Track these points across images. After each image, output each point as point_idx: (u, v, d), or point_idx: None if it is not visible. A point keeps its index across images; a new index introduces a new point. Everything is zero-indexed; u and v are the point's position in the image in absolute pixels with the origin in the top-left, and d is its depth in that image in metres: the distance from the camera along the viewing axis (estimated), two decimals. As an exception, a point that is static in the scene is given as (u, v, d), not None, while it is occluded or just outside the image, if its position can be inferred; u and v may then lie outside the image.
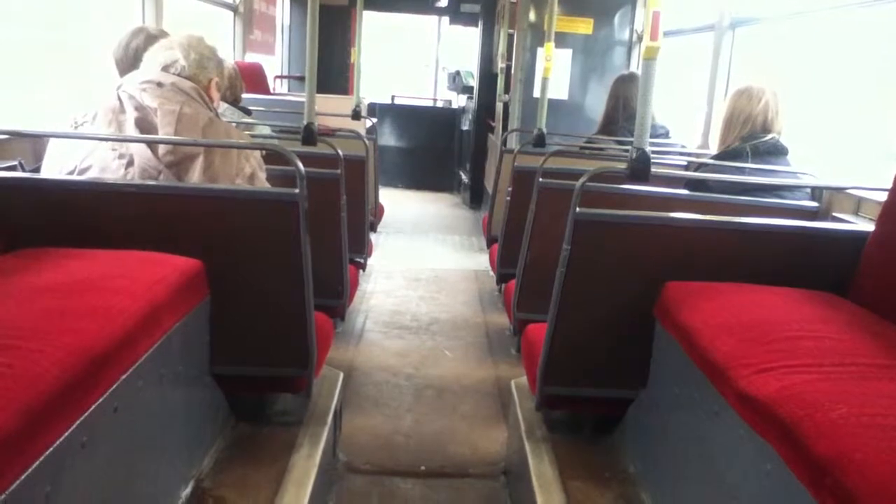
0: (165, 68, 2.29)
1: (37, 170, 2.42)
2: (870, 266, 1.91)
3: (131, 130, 2.17)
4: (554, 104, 4.76)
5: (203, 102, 2.30)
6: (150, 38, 2.64)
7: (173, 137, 2.17)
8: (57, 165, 2.19)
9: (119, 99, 2.21)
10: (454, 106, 9.79)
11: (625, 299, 2.05)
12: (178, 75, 2.29)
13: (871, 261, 1.92)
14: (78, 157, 2.16)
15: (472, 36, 8.97)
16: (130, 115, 2.18)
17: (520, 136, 5.29)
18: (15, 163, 2.48)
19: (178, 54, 2.31)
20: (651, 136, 2.10)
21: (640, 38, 5.64)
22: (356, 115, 4.84)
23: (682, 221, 2.06)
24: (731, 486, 1.50)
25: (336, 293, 3.10)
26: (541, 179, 2.93)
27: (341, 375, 2.67)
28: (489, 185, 6.10)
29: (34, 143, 2.58)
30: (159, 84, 2.23)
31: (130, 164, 2.15)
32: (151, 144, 2.16)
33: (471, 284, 5.39)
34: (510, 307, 3.24)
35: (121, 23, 3.80)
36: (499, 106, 6.80)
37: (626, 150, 2.18)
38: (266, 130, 3.64)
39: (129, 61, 2.65)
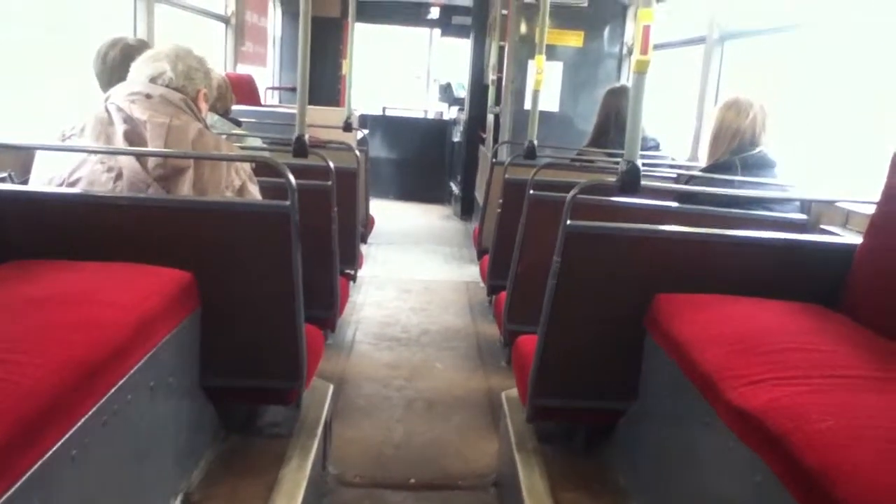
0: (153, 80, 2.27)
1: (25, 182, 2.41)
2: (858, 278, 1.93)
3: (120, 143, 2.15)
4: (544, 116, 4.77)
5: (192, 114, 2.29)
6: (129, 48, 2.62)
7: (162, 150, 2.15)
8: (45, 177, 2.17)
9: (107, 111, 2.19)
10: (445, 117, 9.82)
11: (615, 311, 2.06)
12: (167, 87, 2.27)
13: (859, 273, 1.93)
14: (66, 169, 2.15)
15: (463, 47, 9.00)
16: (119, 128, 2.16)
17: (510, 147, 5.31)
18: (5, 175, 2.47)
19: (165, 65, 2.29)
20: (641, 149, 2.11)
21: (630, 52, 5.67)
22: (347, 127, 4.84)
23: (673, 234, 2.07)
24: (722, 498, 1.50)
25: (327, 305, 3.10)
26: (531, 191, 2.93)
27: (331, 387, 2.67)
28: (480, 196, 6.11)
29: (23, 155, 2.57)
30: (148, 96, 2.22)
31: (119, 177, 2.14)
32: (140, 158, 2.14)
33: (461, 296, 5.39)
34: (501, 318, 3.24)
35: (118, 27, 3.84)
36: (490, 118, 6.83)
37: (617, 163, 2.19)
38: (257, 142, 3.64)
39: (107, 73, 2.63)
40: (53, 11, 3.74)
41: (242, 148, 3.22)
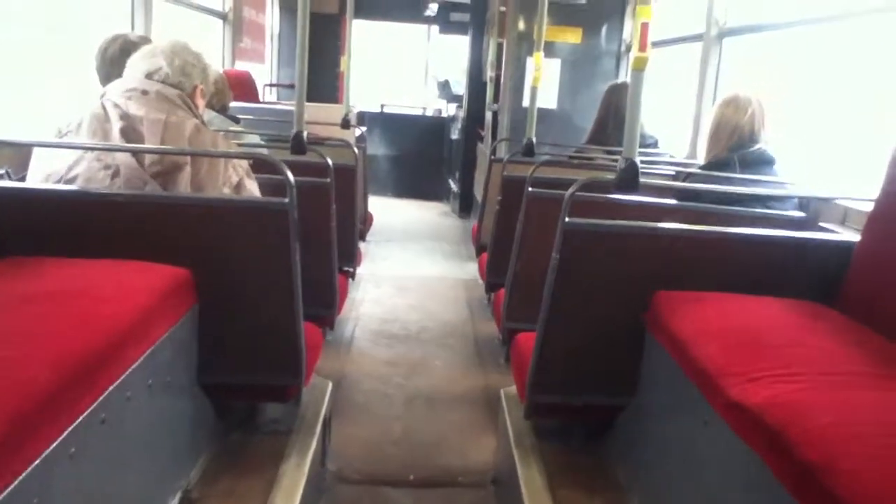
0: (149, 75, 2.26)
1: (22, 179, 2.40)
2: (856, 276, 1.93)
3: (116, 140, 2.14)
4: (543, 113, 4.77)
5: (189, 110, 2.28)
6: (129, 44, 2.61)
7: (159, 147, 2.15)
8: (41, 174, 2.16)
9: (103, 108, 2.18)
10: (444, 115, 9.81)
11: (614, 308, 2.06)
12: (163, 82, 2.25)
13: (857, 270, 1.93)
14: (63, 166, 2.14)
15: (462, 44, 8.98)
16: (115, 125, 2.15)
17: (509, 145, 5.31)
18: (1, 172, 2.46)
19: (161, 61, 2.28)
20: (640, 147, 2.10)
21: (628, 49, 5.67)
22: (346, 124, 4.83)
23: (671, 231, 2.07)
24: (720, 495, 1.50)
25: (326, 302, 3.09)
26: (530, 188, 2.93)
27: (330, 384, 2.67)
28: (479, 193, 6.10)
29: (20, 152, 2.56)
30: (144, 92, 2.20)
31: (116, 174, 2.12)
32: (137, 155, 2.14)
33: (460, 293, 5.39)
34: (499, 316, 3.24)
35: (118, 27, 3.84)
36: (488, 115, 6.81)
37: (616, 160, 2.18)
38: (255, 139, 3.63)
39: (106, 68, 2.62)
40: (53, 11, 3.74)
41: (240, 145, 3.22)
